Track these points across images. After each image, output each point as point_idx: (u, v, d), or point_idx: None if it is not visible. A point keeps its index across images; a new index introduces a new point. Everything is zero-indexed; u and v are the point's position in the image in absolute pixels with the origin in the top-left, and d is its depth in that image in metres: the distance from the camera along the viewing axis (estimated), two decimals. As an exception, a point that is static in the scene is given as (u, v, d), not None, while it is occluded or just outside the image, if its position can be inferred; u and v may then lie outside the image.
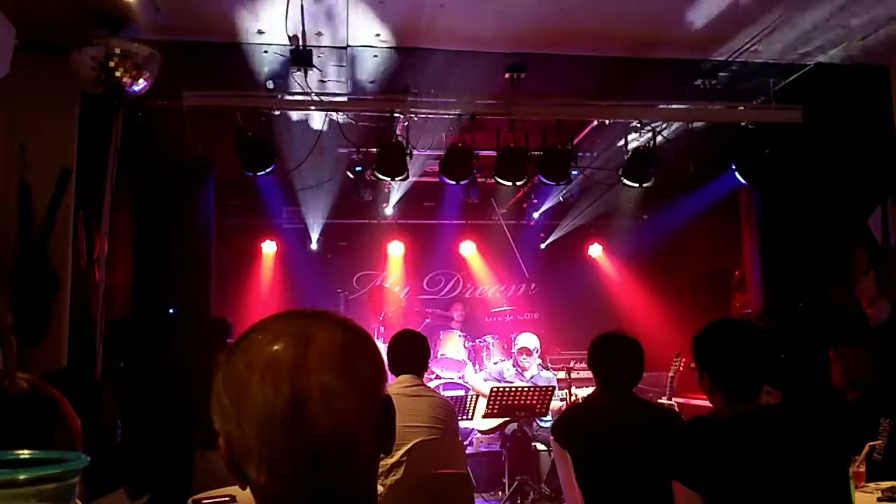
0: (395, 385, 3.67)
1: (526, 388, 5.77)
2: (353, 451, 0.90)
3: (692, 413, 5.17)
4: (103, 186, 4.63)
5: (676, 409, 5.58)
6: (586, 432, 2.99)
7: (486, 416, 5.83)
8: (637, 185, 5.75)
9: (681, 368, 5.99)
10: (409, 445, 3.46)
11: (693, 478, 2.03)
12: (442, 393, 5.33)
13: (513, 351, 6.81)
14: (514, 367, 6.67)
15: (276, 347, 0.90)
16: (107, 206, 4.67)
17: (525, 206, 8.48)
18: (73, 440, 1.38)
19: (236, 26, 4.25)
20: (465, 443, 6.16)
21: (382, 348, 6.37)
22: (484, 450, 6.48)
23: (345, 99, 5.19)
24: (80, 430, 1.41)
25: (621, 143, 5.92)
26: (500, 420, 6.02)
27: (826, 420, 2.18)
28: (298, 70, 4.70)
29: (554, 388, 6.00)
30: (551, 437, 3.22)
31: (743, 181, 5.66)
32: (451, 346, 7.29)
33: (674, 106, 5.40)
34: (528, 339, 6.63)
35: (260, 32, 4.37)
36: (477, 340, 7.56)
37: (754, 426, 2.11)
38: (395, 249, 8.56)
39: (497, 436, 6.29)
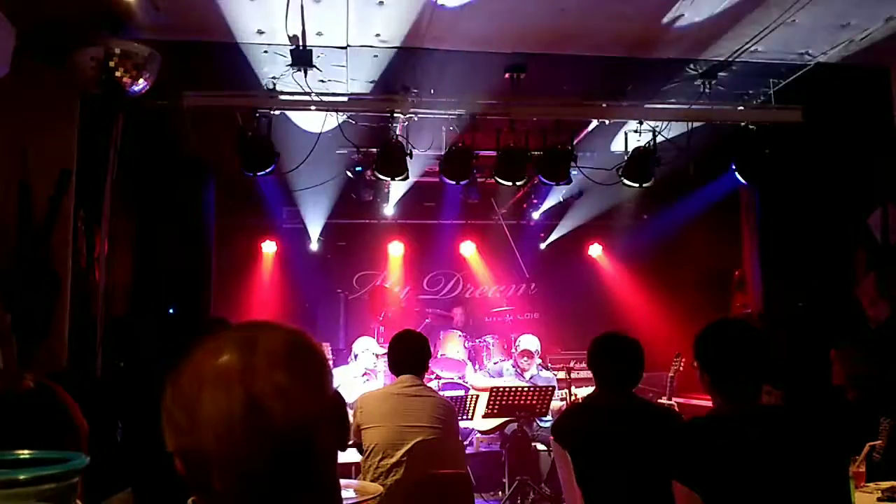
0: (395, 385, 3.67)
1: (526, 388, 5.77)
2: (311, 445, 0.91)
3: (692, 413, 5.16)
4: (103, 186, 4.63)
5: (676, 409, 5.57)
6: (586, 432, 2.99)
7: (486, 416, 5.83)
8: (637, 185, 5.75)
9: (681, 368, 5.99)
10: (409, 445, 3.46)
11: (692, 477, 2.03)
12: (442, 393, 5.33)
13: (513, 352, 6.81)
14: (513, 367, 6.67)
15: (223, 357, 0.91)
16: (107, 206, 4.67)
17: (525, 206, 8.47)
18: (78, 440, 1.39)
19: (236, 26, 4.25)
20: (465, 443, 6.16)
21: (383, 348, 6.40)
22: (484, 450, 6.48)
23: (345, 99, 5.19)
24: (87, 431, 1.42)
25: (621, 143, 5.92)
26: (500, 420, 6.02)
27: (826, 420, 2.18)
28: (298, 70, 4.70)
29: (554, 388, 6.00)
30: (551, 438, 3.22)
31: (743, 181, 5.66)
32: (451, 346, 7.29)
33: (674, 106, 5.40)
34: (530, 342, 6.62)
35: (260, 32, 4.37)
36: (477, 340, 7.55)
37: (754, 426, 2.11)
38: (395, 249, 8.56)
39: (497, 436, 6.28)
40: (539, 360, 6.69)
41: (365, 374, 6.52)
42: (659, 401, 5.85)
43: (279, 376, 0.90)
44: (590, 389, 5.30)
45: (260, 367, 0.90)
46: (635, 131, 5.81)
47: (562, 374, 6.50)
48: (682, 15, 4.23)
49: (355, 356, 6.68)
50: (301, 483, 0.91)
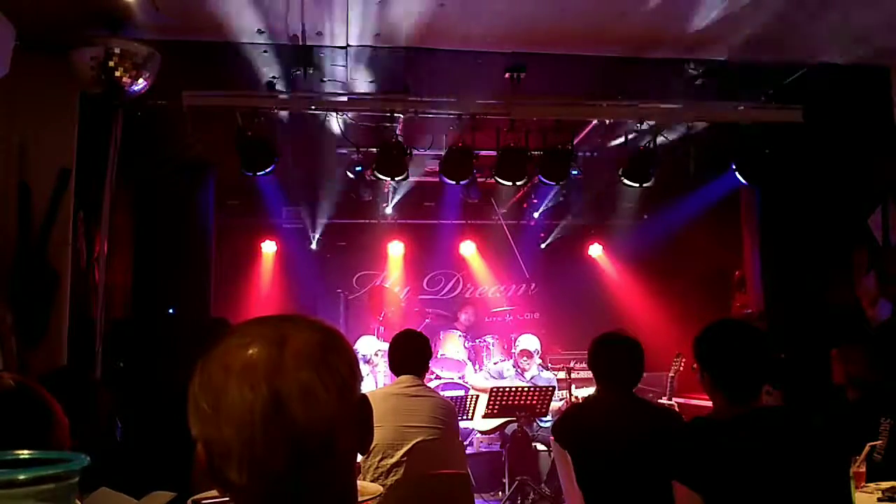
0: (396, 385, 3.67)
1: (526, 389, 5.77)
2: (332, 447, 0.91)
3: (692, 413, 5.16)
4: (103, 186, 4.63)
5: (676, 409, 5.57)
6: (586, 432, 2.99)
7: (486, 416, 5.83)
8: (637, 185, 5.76)
9: (681, 368, 5.99)
10: (409, 445, 3.45)
11: (693, 478, 2.03)
12: (442, 393, 5.33)
13: (513, 352, 6.80)
14: (514, 367, 6.66)
15: (251, 351, 0.91)
16: (107, 206, 4.67)
17: (525, 206, 8.47)
18: (60, 437, 1.39)
19: (236, 26, 4.25)
20: (465, 443, 6.16)
21: (383, 348, 6.40)
22: (484, 450, 6.48)
23: (345, 99, 5.19)
24: (68, 427, 1.42)
25: (621, 142, 5.92)
26: (500, 420, 6.02)
27: (826, 420, 2.18)
28: (298, 70, 4.70)
29: (554, 388, 6.00)
30: (551, 438, 3.22)
31: (743, 181, 5.66)
32: (451, 346, 7.29)
33: (674, 106, 5.40)
34: (529, 341, 6.61)
35: (260, 32, 4.37)
36: (477, 340, 7.55)
37: (754, 426, 2.11)
38: (395, 249, 8.56)
39: (497, 436, 6.28)
40: (539, 360, 6.69)
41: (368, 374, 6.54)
42: (659, 401, 5.85)
43: (305, 376, 0.89)
44: (590, 389, 5.30)
45: (287, 365, 0.89)
46: (636, 131, 5.82)
47: (562, 374, 6.50)
48: (683, 15, 4.23)
49: (364, 358, 6.68)
50: (317, 483, 0.91)
